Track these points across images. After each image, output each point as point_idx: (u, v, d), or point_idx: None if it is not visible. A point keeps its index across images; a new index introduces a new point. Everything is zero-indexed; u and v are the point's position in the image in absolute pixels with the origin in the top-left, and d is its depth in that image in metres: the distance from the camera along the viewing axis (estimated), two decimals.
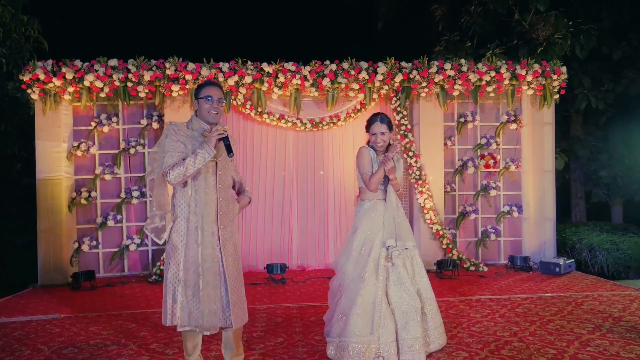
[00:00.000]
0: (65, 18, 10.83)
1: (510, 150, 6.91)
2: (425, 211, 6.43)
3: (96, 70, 5.90)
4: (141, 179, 6.46)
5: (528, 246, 6.76)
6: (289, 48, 10.01)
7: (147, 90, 6.06)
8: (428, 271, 3.90)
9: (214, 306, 2.85)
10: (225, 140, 2.81)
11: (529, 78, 6.34)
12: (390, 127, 3.45)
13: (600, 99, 9.00)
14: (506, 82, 6.37)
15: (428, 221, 6.43)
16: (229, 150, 2.81)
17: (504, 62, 6.42)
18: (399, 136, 6.46)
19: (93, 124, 6.35)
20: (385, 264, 3.31)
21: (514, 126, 6.79)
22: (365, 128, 3.53)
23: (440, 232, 6.40)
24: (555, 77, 6.36)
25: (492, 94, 6.56)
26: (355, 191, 6.80)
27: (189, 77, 5.98)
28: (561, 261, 6.05)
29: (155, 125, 6.41)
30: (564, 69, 6.42)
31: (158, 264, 6.09)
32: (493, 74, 6.30)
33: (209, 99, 2.91)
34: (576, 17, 8.60)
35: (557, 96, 6.52)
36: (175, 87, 6.02)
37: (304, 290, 5.59)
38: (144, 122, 6.43)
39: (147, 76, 5.93)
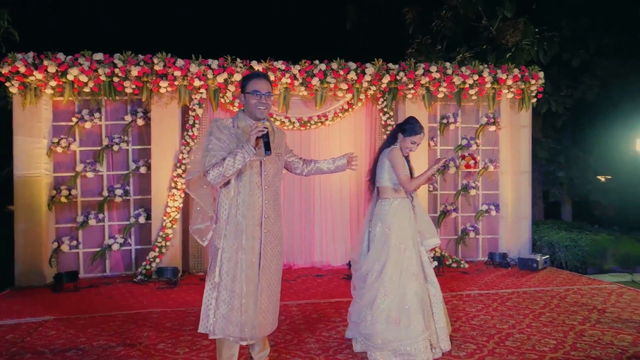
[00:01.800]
0: (41, 10, 10.31)
1: (489, 151, 7.18)
2: None
3: (80, 64, 5.70)
4: (125, 177, 6.28)
5: (505, 243, 7.04)
6: (270, 44, 9.95)
7: (133, 86, 5.91)
8: None
9: (253, 315, 2.71)
10: (265, 137, 2.63)
11: (510, 82, 6.62)
12: None
13: (560, 103, 9.51)
14: (488, 85, 6.61)
15: None
16: (267, 148, 2.64)
17: (486, 66, 6.67)
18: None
19: (74, 119, 6.12)
20: (427, 261, 3.45)
21: (492, 128, 7.07)
22: (403, 131, 3.54)
23: None
24: (533, 81, 6.67)
25: (474, 97, 6.79)
26: (341, 191, 6.92)
27: (177, 73, 5.87)
28: (539, 257, 6.36)
29: (140, 122, 6.26)
30: (541, 74, 6.73)
31: (144, 263, 5.94)
32: (476, 77, 6.53)
33: (257, 93, 2.74)
34: (539, 24, 9.02)
35: (534, 100, 6.84)
36: (163, 84, 5.90)
37: (296, 288, 5.61)
38: (129, 118, 6.25)
39: (135, 71, 5.78)
